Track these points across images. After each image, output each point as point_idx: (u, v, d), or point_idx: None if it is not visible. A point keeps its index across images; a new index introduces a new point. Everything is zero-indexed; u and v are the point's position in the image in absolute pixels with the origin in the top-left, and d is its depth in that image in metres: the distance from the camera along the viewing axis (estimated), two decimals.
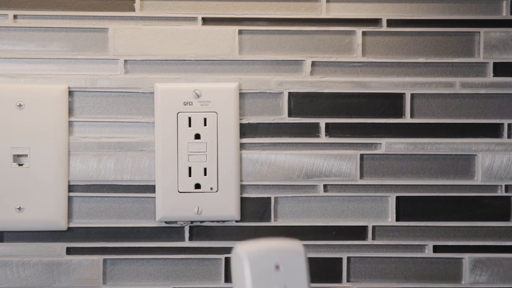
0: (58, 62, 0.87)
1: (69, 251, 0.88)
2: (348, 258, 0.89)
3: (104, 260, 0.88)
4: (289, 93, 0.89)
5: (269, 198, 0.89)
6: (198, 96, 0.87)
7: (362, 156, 0.89)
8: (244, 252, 0.67)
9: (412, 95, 0.89)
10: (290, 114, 0.89)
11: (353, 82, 0.89)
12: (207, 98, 0.87)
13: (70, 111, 0.87)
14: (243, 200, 0.88)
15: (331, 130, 0.89)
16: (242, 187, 0.88)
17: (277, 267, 0.67)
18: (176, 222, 0.88)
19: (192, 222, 0.88)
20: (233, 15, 0.88)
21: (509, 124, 0.90)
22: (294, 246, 0.68)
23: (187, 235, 0.88)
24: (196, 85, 0.87)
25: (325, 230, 0.89)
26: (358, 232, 0.89)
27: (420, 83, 0.89)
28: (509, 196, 0.90)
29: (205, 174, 0.87)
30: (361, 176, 0.89)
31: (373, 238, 0.90)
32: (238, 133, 0.87)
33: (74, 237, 0.88)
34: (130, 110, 0.88)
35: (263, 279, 0.67)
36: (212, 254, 0.89)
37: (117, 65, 0.88)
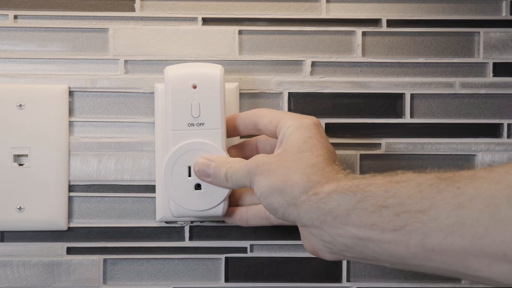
0: (59, 62, 0.87)
1: (69, 251, 0.88)
2: None
3: (104, 260, 0.88)
4: (289, 93, 0.89)
5: None
6: None
7: (362, 156, 0.89)
8: (169, 74, 0.80)
9: (412, 95, 0.89)
10: None
11: (353, 82, 0.89)
12: None
13: (70, 111, 0.88)
14: None
15: (331, 130, 0.89)
16: None
17: (194, 86, 0.80)
18: (176, 222, 0.88)
19: (192, 222, 0.88)
20: (233, 15, 0.88)
21: (509, 124, 0.90)
22: (211, 70, 0.81)
23: (187, 235, 0.88)
24: None
25: None
26: None
27: (420, 83, 0.90)
28: None
29: None
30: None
31: None
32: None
33: (74, 237, 0.88)
34: (130, 110, 0.88)
35: (182, 96, 0.80)
36: (212, 254, 0.89)
37: (117, 65, 0.88)
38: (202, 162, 0.79)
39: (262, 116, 0.79)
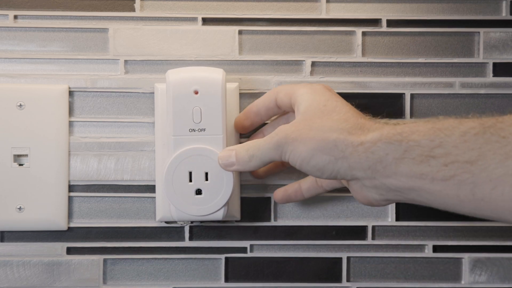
0: (59, 62, 0.87)
1: (69, 251, 0.88)
2: (348, 258, 0.90)
3: (104, 260, 0.88)
4: None
5: (269, 197, 0.89)
6: None
7: None
8: (170, 78, 0.81)
9: (412, 95, 0.89)
10: None
11: (353, 82, 0.89)
12: None
13: (71, 111, 0.88)
14: (243, 200, 0.89)
15: None
16: (242, 187, 0.88)
17: (196, 92, 0.80)
18: (176, 222, 0.88)
19: (192, 222, 0.88)
20: (233, 15, 0.88)
21: None
22: (213, 75, 0.81)
23: (187, 235, 0.88)
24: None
25: (325, 230, 0.89)
26: (358, 232, 0.90)
27: (420, 83, 0.90)
28: None
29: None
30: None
31: (373, 238, 0.90)
32: (238, 133, 0.87)
33: (74, 237, 0.88)
34: (130, 110, 0.88)
35: (183, 101, 0.80)
36: (212, 254, 0.89)
37: (117, 65, 0.88)
38: (223, 155, 0.80)
39: (280, 90, 0.82)
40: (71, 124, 0.88)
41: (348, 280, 0.90)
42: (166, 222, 0.88)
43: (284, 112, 0.85)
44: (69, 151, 0.87)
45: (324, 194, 0.87)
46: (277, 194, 0.86)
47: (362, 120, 0.74)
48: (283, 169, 0.87)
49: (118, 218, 0.88)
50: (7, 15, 0.87)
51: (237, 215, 0.88)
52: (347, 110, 0.75)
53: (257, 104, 0.84)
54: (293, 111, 0.80)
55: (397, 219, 0.90)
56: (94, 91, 0.88)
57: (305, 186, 0.85)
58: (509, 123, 0.66)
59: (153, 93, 0.87)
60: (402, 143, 0.69)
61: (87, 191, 0.88)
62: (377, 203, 0.75)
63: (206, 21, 0.88)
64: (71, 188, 0.88)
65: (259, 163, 0.78)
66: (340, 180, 0.79)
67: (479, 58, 0.90)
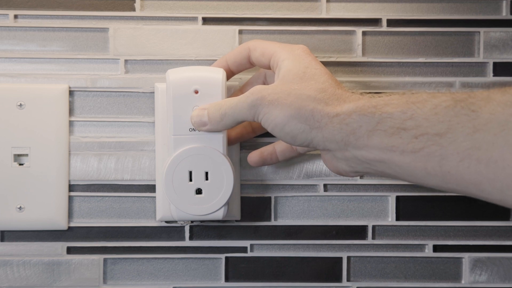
0: (59, 62, 0.87)
1: (70, 250, 0.88)
2: (348, 258, 0.90)
3: (105, 260, 0.88)
4: None
5: (269, 197, 0.89)
6: None
7: None
8: (170, 78, 0.81)
9: None
10: None
11: (353, 82, 0.89)
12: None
13: (71, 111, 0.88)
14: (243, 200, 0.89)
15: None
16: (242, 187, 0.88)
17: (196, 91, 0.80)
18: (176, 221, 0.88)
19: (192, 221, 0.88)
20: (233, 15, 0.88)
21: None
22: (213, 75, 0.81)
23: (187, 234, 0.88)
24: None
25: (325, 230, 0.89)
26: (358, 232, 0.90)
27: (420, 83, 0.90)
28: None
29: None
30: (361, 176, 0.89)
31: (373, 238, 0.90)
32: None
33: (75, 237, 0.88)
34: (131, 110, 0.88)
35: (183, 100, 0.80)
36: (212, 253, 0.89)
37: (117, 64, 0.88)
38: (196, 113, 0.80)
39: (254, 48, 0.81)
40: (71, 123, 0.88)
41: (348, 280, 0.90)
42: (166, 222, 0.88)
43: (261, 71, 0.85)
44: (69, 151, 0.87)
45: (323, 194, 0.87)
46: (253, 157, 0.85)
47: (339, 91, 0.74)
48: (254, 136, 0.87)
49: (118, 217, 0.88)
50: (7, 14, 0.87)
51: (237, 215, 0.88)
52: (325, 79, 0.75)
53: (227, 60, 0.83)
54: (270, 70, 0.81)
55: (397, 219, 0.90)
56: (94, 91, 0.88)
57: (280, 149, 0.85)
58: (480, 98, 0.66)
59: (153, 92, 0.88)
60: (375, 115, 0.70)
61: (87, 191, 0.88)
62: (346, 174, 0.76)
63: (206, 20, 0.88)
64: (71, 187, 0.88)
65: (232, 121, 0.78)
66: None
67: (479, 58, 0.90)
